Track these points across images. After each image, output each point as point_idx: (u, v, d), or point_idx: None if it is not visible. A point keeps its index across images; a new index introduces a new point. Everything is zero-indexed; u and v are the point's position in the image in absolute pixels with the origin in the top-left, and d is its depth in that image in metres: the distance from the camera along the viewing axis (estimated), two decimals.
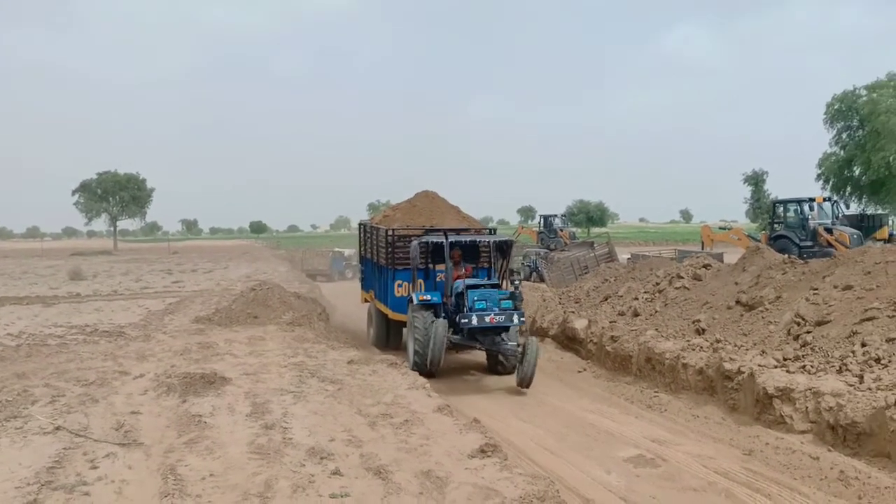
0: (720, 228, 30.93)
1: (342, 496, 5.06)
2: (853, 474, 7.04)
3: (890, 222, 42.35)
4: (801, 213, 28.15)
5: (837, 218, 28.50)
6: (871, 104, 46.30)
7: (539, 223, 49.98)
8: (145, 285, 28.49)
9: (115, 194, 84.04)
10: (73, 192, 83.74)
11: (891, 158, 45.78)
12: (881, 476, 6.91)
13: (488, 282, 12.72)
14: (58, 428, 6.77)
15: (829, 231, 26.29)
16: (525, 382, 11.28)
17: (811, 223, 27.12)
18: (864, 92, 47.81)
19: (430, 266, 13.78)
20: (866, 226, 30.03)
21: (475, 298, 11.46)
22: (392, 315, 14.22)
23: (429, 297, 12.33)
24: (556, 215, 49.65)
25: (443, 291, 12.62)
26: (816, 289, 10.68)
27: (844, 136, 49.56)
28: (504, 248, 13.69)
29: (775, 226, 29.10)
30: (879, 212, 43.78)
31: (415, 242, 12.65)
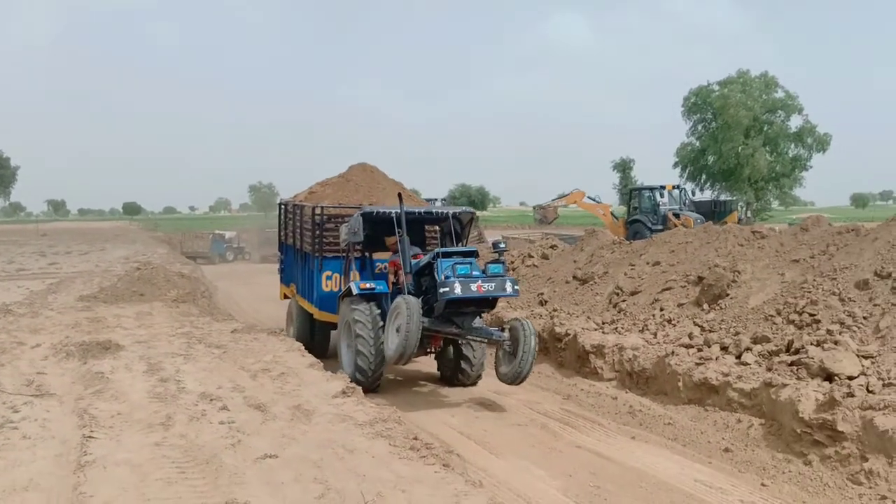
0: (590, 198, 33.20)
1: (230, 423, 6.46)
2: (639, 408, 9.01)
3: (739, 208, 46.71)
4: (653, 199, 31.02)
5: (685, 204, 31.65)
6: (722, 99, 50.54)
7: None
8: (20, 267, 28.18)
9: None
10: None
11: (739, 149, 50.24)
12: (657, 408, 8.91)
13: (461, 248, 9.80)
14: None
15: (676, 216, 29.04)
16: (520, 378, 9.29)
17: (662, 208, 30.01)
18: (716, 87, 52.05)
19: (367, 255, 11.12)
20: (718, 211, 33.28)
21: (453, 264, 8.93)
22: (319, 315, 11.71)
23: (372, 285, 9.99)
24: (436, 199, 51.63)
25: (387, 279, 10.40)
26: (633, 265, 12.79)
27: (700, 127, 53.86)
28: (462, 225, 11.13)
29: (632, 210, 32.05)
30: (729, 198, 48.17)
31: (356, 214, 10.19)
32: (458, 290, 8.60)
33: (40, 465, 5.43)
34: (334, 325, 11.23)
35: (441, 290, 8.67)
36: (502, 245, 9.84)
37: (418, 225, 11.30)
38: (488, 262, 9.22)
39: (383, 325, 9.34)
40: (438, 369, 10.95)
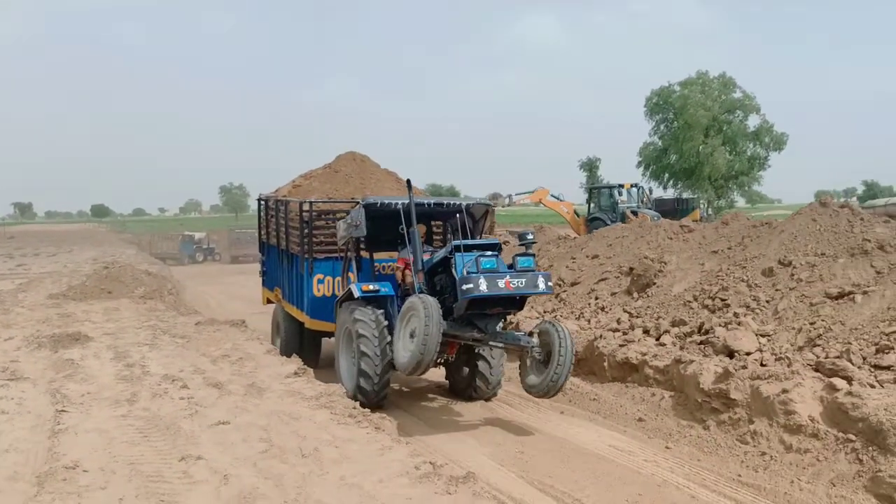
0: (553, 196, 33.98)
1: (189, 398, 7.20)
2: (570, 387, 9.79)
3: (701, 205, 48.05)
4: (611, 197, 32.15)
5: (643, 202, 32.75)
6: (682, 99, 51.90)
7: None
8: None
9: None
10: None
11: (699, 148, 51.66)
12: (586, 386, 9.77)
13: (483, 241, 8.73)
14: None
15: (634, 213, 30.07)
16: (554, 390, 8.13)
17: (620, 206, 31.05)
18: (677, 88, 53.42)
19: (364, 253, 9.80)
20: (680, 209, 34.43)
21: (477, 257, 7.71)
22: (311, 323, 10.50)
23: (377, 286, 8.77)
24: None
25: (395, 281, 9.15)
26: (575, 258, 13.72)
27: (662, 127, 55.22)
28: (475, 221, 9.80)
29: (592, 208, 33.14)
30: (691, 196, 49.59)
31: (358, 206, 8.97)
32: (483, 286, 7.42)
33: (18, 433, 6.14)
34: (326, 333, 10.60)
35: (463, 286, 7.47)
36: (530, 236, 8.37)
37: (425, 220, 9.84)
38: (516, 255, 7.98)
39: (390, 332, 8.39)
40: (448, 380, 9.99)
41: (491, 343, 8.50)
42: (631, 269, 11.82)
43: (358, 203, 9.22)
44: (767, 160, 53.49)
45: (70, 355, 9.46)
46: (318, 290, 10.39)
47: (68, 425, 6.31)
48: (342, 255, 9.81)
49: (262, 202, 13.18)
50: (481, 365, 9.17)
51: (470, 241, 8.30)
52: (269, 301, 13.19)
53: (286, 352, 10.76)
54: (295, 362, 9.12)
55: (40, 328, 11.88)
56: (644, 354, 9.25)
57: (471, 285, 7.42)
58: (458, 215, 9.50)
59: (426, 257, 8.59)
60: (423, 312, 7.29)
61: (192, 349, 10.09)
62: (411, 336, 7.56)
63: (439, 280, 8.42)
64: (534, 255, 8.14)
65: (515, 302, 8.15)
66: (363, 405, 7.54)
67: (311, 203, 10.41)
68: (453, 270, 7.86)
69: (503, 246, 8.95)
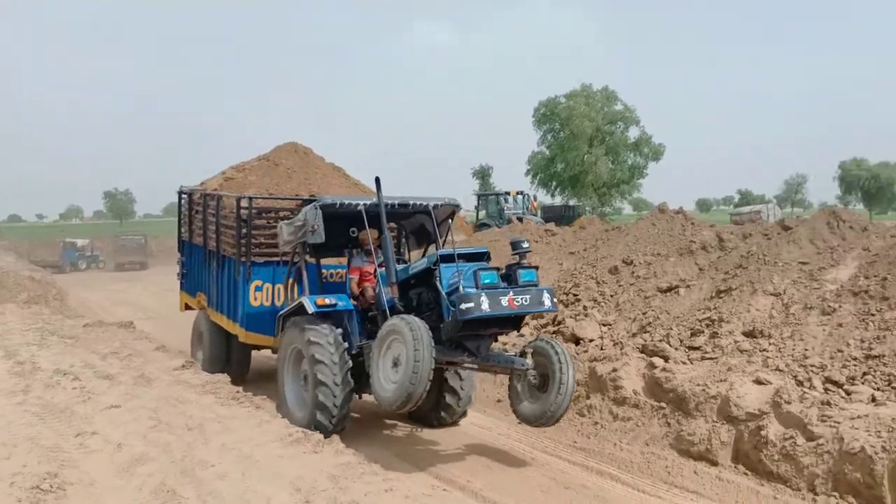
0: None
1: (81, 388, 7.75)
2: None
3: (587, 212, 50.53)
4: (498, 204, 33.75)
5: (528, 209, 34.47)
6: (567, 110, 54.47)
7: None
8: None
9: None
10: None
11: (584, 157, 54.33)
12: None
13: (470, 249, 7.75)
14: None
15: (520, 219, 31.66)
16: (554, 419, 7.14)
17: (507, 213, 32.61)
18: (563, 99, 56.01)
19: (310, 258, 8.64)
20: (567, 215, 36.35)
21: (475, 270, 6.76)
22: (245, 337, 9.34)
23: (334, 300, 7.71)
24: None
25: (350, 292, 8.20)
26: None
27: (549, 136, 57.69)
28: (437, 222, 8.85)
29: (479, 214, 34.64)
30: (578, 203, 52.08)
31: (312, 206, 7.78)
32: (485, 305, 6.44)
33: None
34: (262, 348, 9.89)
35: (462, 305, 6.42)
36: (525, 244, 7.34)
37: (378, 221, 7.74)
38: (516, 267, 7.05)
39: (348, 351, 7.55)
40: None
41: (484, 367, 7.61)
42: (498, 268, 12.95)
43: (311, 201, 8.11)
44: (646, 169, 56.84)
45: None
46: (256, 299, 9.27)
47: None
48: (284, 260, 8.91)
49: (185, 195, 11.74)
50: (451, 386, 8.37)
51: (460, 250, 7.29)
52: (187, 307, 11.84)
53: (211, 367, 9.75)
54: (181, 357, 9.73)
55: None
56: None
57: (471, 304, 6.41)
58: (416, 216, 8.86)
59: (368, 268, 7.74)
60: (409, 336, 6.27)
61: (82, 347, 10.49)
62: (394, 365, 6.52)
63: (416, 294, 7.50)
64: (536, 268, 7.34)
65: (512, 321, 7.25)
66: (325, 432, 6.82)
67: (250, 199, 9.34)
68: (438, 284, 6.90)
69: None
